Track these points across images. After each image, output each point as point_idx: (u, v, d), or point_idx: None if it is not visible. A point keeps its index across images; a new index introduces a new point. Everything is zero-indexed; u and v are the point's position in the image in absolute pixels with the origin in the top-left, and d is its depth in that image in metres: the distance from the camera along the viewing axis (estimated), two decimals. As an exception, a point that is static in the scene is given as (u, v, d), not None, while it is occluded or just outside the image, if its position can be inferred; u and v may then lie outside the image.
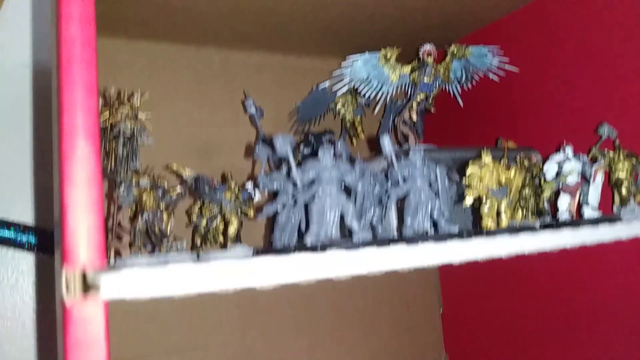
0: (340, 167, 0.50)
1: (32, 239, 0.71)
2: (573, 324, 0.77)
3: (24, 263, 0.74)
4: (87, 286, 0.32)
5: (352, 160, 0.55)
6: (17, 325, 0.74)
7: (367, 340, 0.93)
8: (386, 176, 0.54)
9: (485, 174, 0.59)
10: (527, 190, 0.64)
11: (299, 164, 0.51)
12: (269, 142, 0.57)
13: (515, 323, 0.85)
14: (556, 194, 0.65)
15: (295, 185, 0.50)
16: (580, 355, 0.76)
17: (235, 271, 0.36)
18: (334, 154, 0.50)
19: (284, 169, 0.54)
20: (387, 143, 0.52)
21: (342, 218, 0.51)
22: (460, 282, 0.96)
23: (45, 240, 0.72)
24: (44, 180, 0.75)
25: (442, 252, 0.45)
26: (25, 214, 0.74)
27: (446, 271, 0.99)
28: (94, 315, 0.33)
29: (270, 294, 0.86)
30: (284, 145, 0.48)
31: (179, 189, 0.60)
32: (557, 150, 0.62)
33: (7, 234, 0.70)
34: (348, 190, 0.53)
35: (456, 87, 0.83)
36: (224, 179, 0.62)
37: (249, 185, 0.64)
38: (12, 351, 0.74)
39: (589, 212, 0.61)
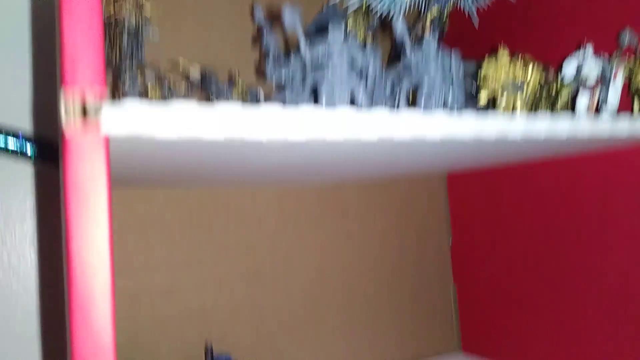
0: (350, 46, 0.48)
1: (34, 150, 0.70)
2: (587, 249, 0.75)
3: (29, 175, 0.74)
4: (87, 114, 0.31)
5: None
6: (24, 236, 0.74)
7: (375, 270, 0.92)
8: (397, 59, 0.52)
9: (501, 72, 0.57)
10: (542, 103, 0.62)
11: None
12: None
13: (525, 254, 0.84)
14: (573, 101, 0.63)
15: (304, 66, 0.48)
16: (592, 278, 0.74)
17: (241, 117, 0.35)
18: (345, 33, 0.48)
19: (292, 59, 0.52)
20: (400, 26, 0.50)
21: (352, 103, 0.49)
22: (470, 212, 0.95)
23: (46, 151, 0.71)
24: (42, 93, 0.74)
25: (455, 124, 0.43)
26: (24, 126, 0.73)
27: (456, 201, 0.98)
28: (95, 150, 0.32)
29: (278, 215, 0.85)
30: (292, 16, 0.46)
31: (185, 85, 0.59)
32: (577, 48, 0.60)
33: (12, 143, 0.69)
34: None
35: (471, 4, 0.80)
36: (231, 78, 0.61)
37: (257, 90, 0.62)
38: (20, 266, 0.74)
39: (607, 112, 0.59)
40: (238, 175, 0.64)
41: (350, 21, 0.84)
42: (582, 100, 0.59)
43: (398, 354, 0.93)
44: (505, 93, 0.55)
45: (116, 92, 0.56)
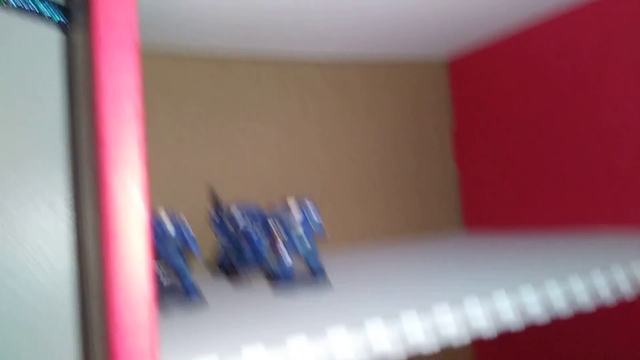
0: None
1: (63, 17, 0.75)
2: (585, 101, 0.77)
3: (58, 42, 0.79)
4: None
5: None
6: (51, 103, 0.79)
7: (379, 149, 0.96)
8: None
9: None
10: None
11: None
12: None
13: (526, 134, 0.87)
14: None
15: None
16: (592, 128, 0.76)
17: None
18: None
19: None
20: None
21: None
22: (471, 96, 0.97)
23: (75, 18, 0.76)
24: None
25: None
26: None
27: (458, 87, 1.00)
28: None
29: (282, 90, 0.89)
30: None
31: None
32: None
33: (41, 7, 0.75)
34: None
35: None
36: None
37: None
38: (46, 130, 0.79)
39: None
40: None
41: None
42: None
43: (405, 228, 0.97)
44: None
45: None
